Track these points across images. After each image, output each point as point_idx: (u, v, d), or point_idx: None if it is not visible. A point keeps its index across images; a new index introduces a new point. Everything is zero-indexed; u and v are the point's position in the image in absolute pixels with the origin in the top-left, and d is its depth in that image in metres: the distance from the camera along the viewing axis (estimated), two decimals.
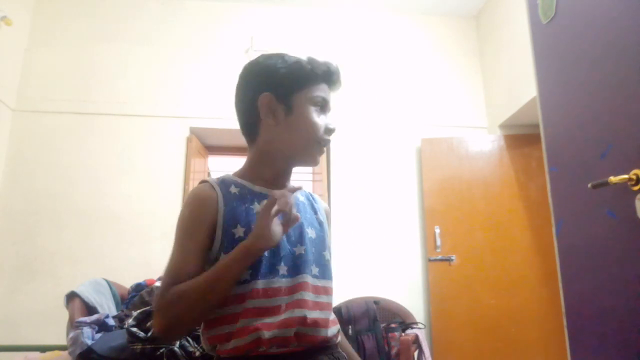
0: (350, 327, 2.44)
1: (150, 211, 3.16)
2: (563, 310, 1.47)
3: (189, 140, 3.35)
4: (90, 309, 1.96)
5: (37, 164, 3.18)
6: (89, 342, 1.55)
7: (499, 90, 3.53)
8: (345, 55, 3.67)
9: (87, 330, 1.61)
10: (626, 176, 1.14)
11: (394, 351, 2.40)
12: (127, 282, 2.36)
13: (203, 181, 0.90)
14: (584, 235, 1.39)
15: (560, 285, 1.50)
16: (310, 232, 0.91)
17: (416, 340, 2.53)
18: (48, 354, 2.00)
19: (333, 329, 0.88)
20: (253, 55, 3.51)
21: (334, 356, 0.86)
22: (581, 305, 1.41)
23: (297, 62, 0.94)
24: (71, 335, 1.62)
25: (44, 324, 2.74)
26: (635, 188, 1.12)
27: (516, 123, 3.42)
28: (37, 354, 2.07)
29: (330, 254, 0.96)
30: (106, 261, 3.01)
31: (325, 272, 0.91)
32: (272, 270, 0.82)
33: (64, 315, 1.96)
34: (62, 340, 1.85)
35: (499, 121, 3.49)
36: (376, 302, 2.63)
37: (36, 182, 3.14)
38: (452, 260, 3.19)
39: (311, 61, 0.95)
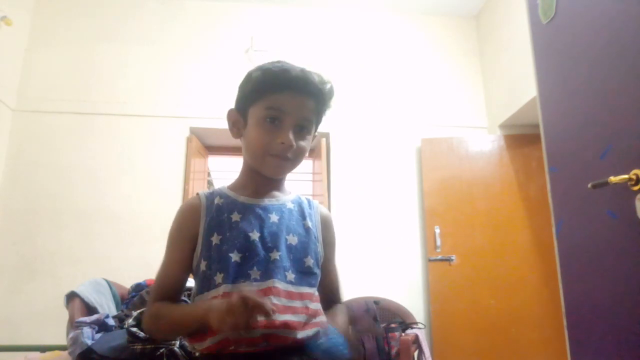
0: (350, 327, 2.44)
1: (150, 211, 3.16)
2: (563, 310, 1.47)
3: (189, 140, 3.35)
4: (90, 309, 1.95)
5: (37, 164, 3.18)
6: (89, 342, 1.55)
7: (499, 90, 3.53)
8: (345, 56, 3.67)
9: (87, 330, 1.61)
10: (626, 176, 1.14)
11: (394, 351, 2.40)
12: (127, 282, 2.35)
13: (198, 194, 0.98)
14: (584, 235, 1.39)
15: (560, 285, 1.50)
16: (290, 239, 0.92)
17: (416, 340, 2.53)
18: (48, 354, 2.00)
19: (309, 332, 0.87)
20: (253, 55, 3.52)
21: (309, 357, 0.86)
22: (581, 305, 1.41)
23: (260, 71, 0.93)
24: (71, 335, 1.62)
25: (44, 324, 2.74)
26: (635, 188, 1.12)
27: (516, 123, 3.42)
28: (37, 354, 2.07)
29: (316, 260, 0.94)
30: (106, 261, 3.01)
31: (303, 278, 0.90)
32: (244, 275, 0.86)
33: (64, 315, 1.95)
34: (62, 340, 1.85)
35: (499, 121, 3.49)
36: (376, 302, 2.63)
37: (36, 182, 3.14)
38: (452, 260, 3.19)
39: (273, 69, 0.92)
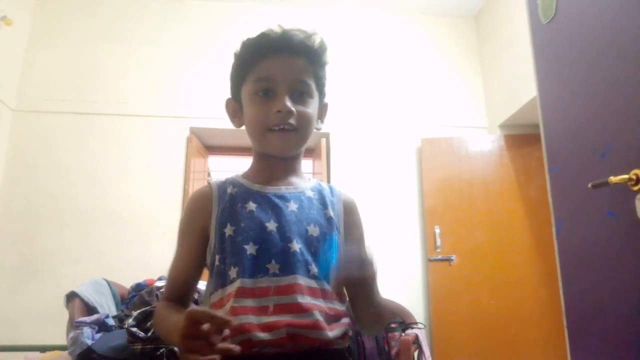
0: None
1: (150, 211, 3.16)
2: (563, 310, 1.47)
3: (189, 140, 3.35)
4: (90, 309, 1.95)
5: (37, 164, 3.18)
6: (89, 342, 1.55)
7: (499, 90, 3.53)
8: (345, 55, 3.67)
9: (87, 330, 1.61)
10: (626, 176, 1.14)
11: (394, 351, 2.40)
12: (127, 282, 2.36)
13: (209, 182, 0.91)
14: (584, 235, 1.39)
15: (560, 285, 1.50)
16: (311, 230, 0.84)
17: (416, 340, 2.52)
18: (48, 354, 2.00)
19: (336, 332, 0.79)
20: None
21: None
22: (581, 305, 1.41)
23: (241, 46, 0.87)
24: (71, 335, 1.62)
25: (44, 324, 2.74)
26: (635, 188, 1.12)
27: (516, 123, 3.42)
28: (37, 354, 2.07)
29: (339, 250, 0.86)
30: (106, 261, 3.00)
31: (327, 272, 0.82)
32: (261, 269, 0.79)
33: (64, 315, 1.95)
34: (62, 340, 1.85)
35: (499, 121, 3.49)
36: None
37: (36, 182, 3.14)
38: (452, 260, 3.19)
39: (251, 39, 0.85)
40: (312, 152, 3.80)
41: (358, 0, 3.74)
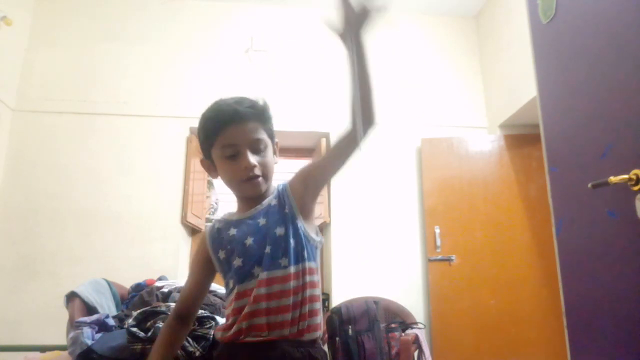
0: (350, 327, 2.44)
1: (150, 211, 3.16)
2: (563, 310, 1.47)
3: (189, 140, 3.35)
4: (90, 309, 1.95)
5: (37, 164, 3.18)
6: (89, 342, 1.55)
7: (499, 90, 3.53)
8: (345, 55, 3.67)
9: (87, 330, 1.61)
10: (626, 176, 1.14)
11: (394, 351, 2.41)
12: (127, 282, 2.35)
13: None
14: (584, 235, 1.39)
15: (560, 285, 1.50)
16: (278, 232, 1.04)
17: (416, 340, 2.53)
18: (48, 354, 2.00)
19: (304, 309, 1.00)
20: (253, 55, 3.52)
21: (303, 348, 0.98)
22: (581, 305, 1.41)
23: (203, 120, 1.09)
24: (71, 335, 1.62)
25: (44, 324, 2.74)
26: (635, 188, 1.12)
27: (516, 123, 3.42)
28: (37, 354, 2.07)
29: (294, 229, 1.04)
30: (106, 261, 3.01)
31: (296, 256, 1.02)
32: (249, 275, 1.01)
33: (64, 315, 1.95)
34: (62, 340, 1.85)
35: (499, 121, 3.49)
36: (376, 302, 2.63)
37: (36, 182, 3.14)
38: (452, 260, 3.19)
39: (210, 114, 1.08)
40: (312, 152, 3.80)
41: None
